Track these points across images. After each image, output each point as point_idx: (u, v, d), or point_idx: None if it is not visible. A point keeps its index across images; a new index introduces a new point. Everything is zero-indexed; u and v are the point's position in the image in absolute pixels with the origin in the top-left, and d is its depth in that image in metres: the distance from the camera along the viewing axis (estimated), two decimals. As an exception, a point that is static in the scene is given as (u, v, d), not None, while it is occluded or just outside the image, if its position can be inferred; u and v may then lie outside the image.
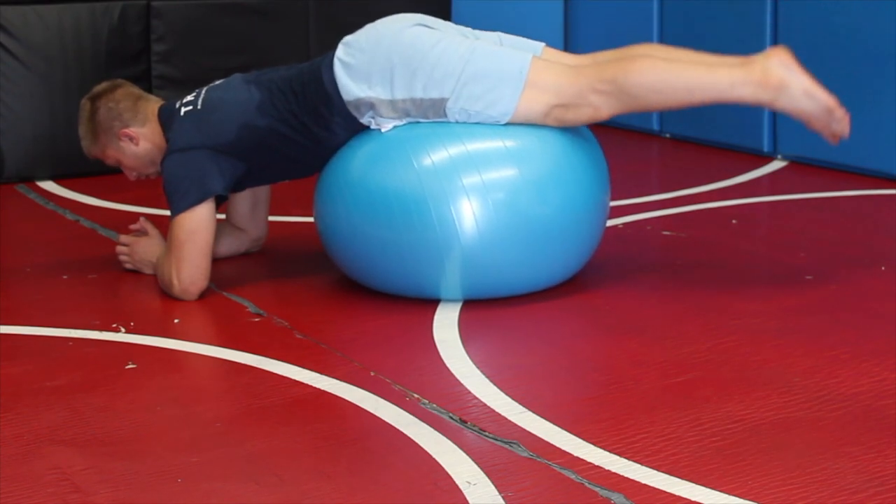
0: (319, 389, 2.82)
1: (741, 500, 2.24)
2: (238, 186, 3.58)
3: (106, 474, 2.41)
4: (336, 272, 3.60)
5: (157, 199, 4.26)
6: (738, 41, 5.25)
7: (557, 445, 2.48)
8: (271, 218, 3.95)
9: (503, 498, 2.27)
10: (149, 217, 3.77)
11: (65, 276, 3.71)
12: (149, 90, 5.00)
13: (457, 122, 3.31)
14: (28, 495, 2.33)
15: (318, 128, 3.41)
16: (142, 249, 3.68)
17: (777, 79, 3.22)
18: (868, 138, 4.79)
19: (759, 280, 3.61)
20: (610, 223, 4.02)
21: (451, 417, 2.64)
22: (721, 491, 2.27)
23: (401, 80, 3.31)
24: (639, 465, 2.38)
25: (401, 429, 2.58)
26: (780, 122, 5.14)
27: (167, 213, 3.50)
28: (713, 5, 5.37)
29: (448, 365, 2.94)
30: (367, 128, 3.39)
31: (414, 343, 3.11)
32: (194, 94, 3.59)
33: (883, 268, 3.61)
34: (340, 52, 3.39)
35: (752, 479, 2.31)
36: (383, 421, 2.63)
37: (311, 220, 3.71)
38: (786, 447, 2.45)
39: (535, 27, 6.03)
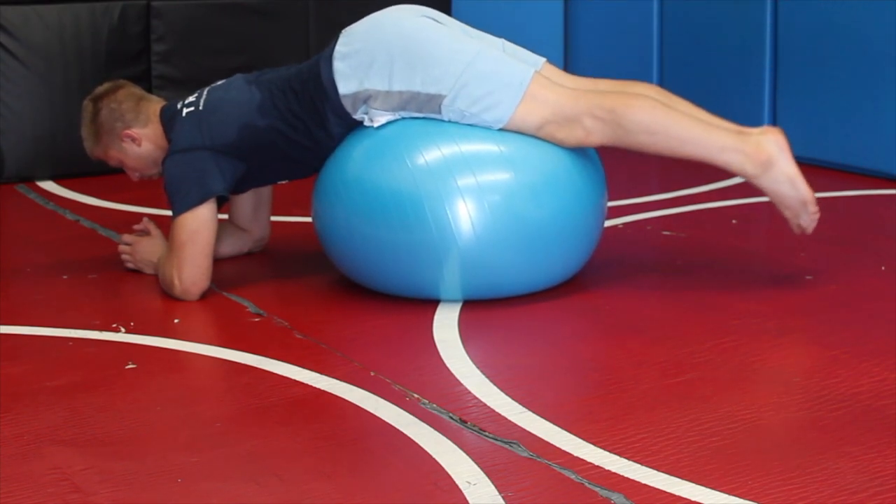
0: (319, 389, 2.82)
1: (741, 500, 2.24)
2: (239, 187, 3.58)
3: (106, 474, 2.41)
4: (336, 272, 3.60)
5: (158, 199, 4.26)
6: (738, 41, 5.25)
7: (557, 445, 2.48)
8: (272, 218, 3.95)
9: (503, 498, 2.27)
10: (150, 217, 3.77)
11: (65, 276, 3.71)
12: (149, 90, 5.00)
13: (450, 122, 3.30)
14: (28, 495, 2.33)
15: (316, 128, 3.41)
16: (144, 249, 3.68)
17: (767, 156, 3.26)
18: (868, 138, 4.79)
19: (759, 280, 3.61)
20: (610, 223, 4.02)
21: (451, 417, 2.64)
22: (721, 491, 2.27)
23: (400, 72, 3.30)
24: (639, 465, 2.38)
25: (401, 429, 2.58)
26: (781, 123, 5.14)
27: (168, 213, 3.50)
28: (713, 5, 5.37)
29: (448, 365, 2.94)
30: (360, 124, 3.38)
31: (414, 343, 3.11)
32: (196, 94, 3.59)
33: (883, 268, 3.61)
34: (340, 43, 3.39)
35: (752, 479, 2.31)
36: (383, 421, 2.63)
37: (311, 220, 3.71)
38: (786, 447, 2.45)
39: (536, 27, 6.03)
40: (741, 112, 5.26)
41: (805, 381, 2.79)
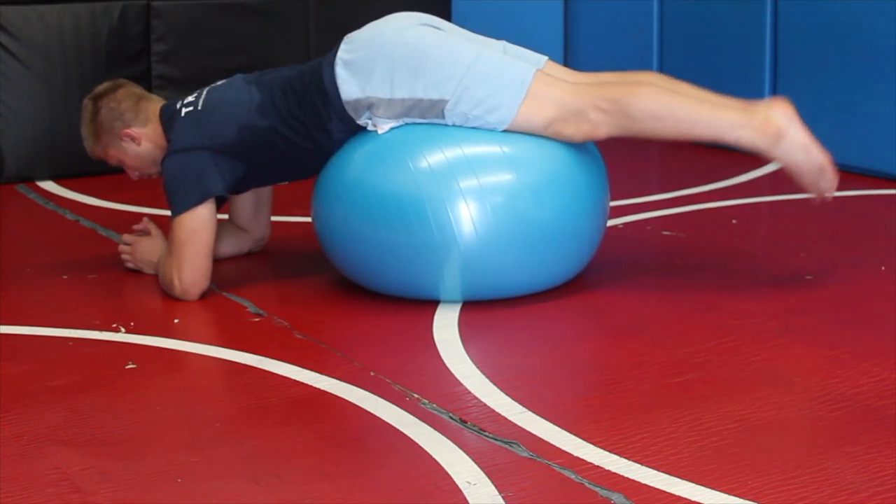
0: (319, 389, 2.82)
1: (741, 500, 2.24)
2: (238, 187, 3.58)
3: (106, 474, 2.41)
4: (336, 272, 3.60)
5: (157, 199, 4.25)
6: (738, 41, 5.25)
7: (557, 445, 2.48)
8: (272, 218, 3.95)
9: (503, 498, 2.27)
10: (150, 217, 3.77)
11: (65, 276, 3.71)
12: (149, 90, 4.99)
13: (453, 126, 3.30)
14: (28, 495, 2.33)
15: (316, 130, 3.41)
16: (144, 249, 3.68)
17: (776, 128, 3.25)
18: (868, 138, 4.79)
19: (759, 280, 3.61)
20: (610, 223, 4.02)
21: (451, 417, 2.64)
22: (721, 491, 2.27)
23: (402, 79, 3.30)
24: (639, 465, 2.38)
25: (401, 429, 2.58)
26: (780, 122, 5.14)
27: (168, 213, 3.50)
28: (713, 5, 5.37)
29: (448, 365, 2.94)
30: (363, 129, 3.38)
31: (414, 343, 3.11)
32: (195, 94, 3.59)
33: (883, 268, 3.61)
34: (342, 49, 3.39)
35: (752, 479, 2.31)
36: (383, 421, 2.63)
37: (310, 220, 3.71)
38: (786, 447, 2.45)
39: (536, 27, 6.03)
40: (741, 112, 5.27)
41: (805, 381, 2.79)
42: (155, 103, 3.65)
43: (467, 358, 2.98)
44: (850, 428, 2.53)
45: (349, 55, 3.37)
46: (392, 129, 3.34)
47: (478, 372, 2.89)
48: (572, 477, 2.35)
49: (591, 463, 2.40)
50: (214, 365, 3.02)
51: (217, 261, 3.61)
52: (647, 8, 5.67)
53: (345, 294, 3.49)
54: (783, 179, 4.85)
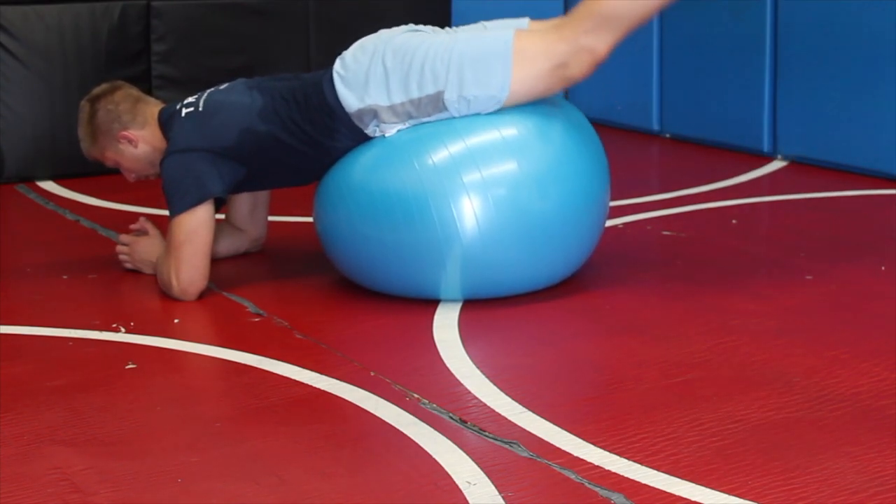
0: (319, 389, 2.82)
1: (741, 500, 2.24)
2: (237, 190, 3.58)
3: (106, 474, 2.41)
4: (336, 272, 3.60)
5: (157, 199, 4.25)
6: (738, 42, 5.25)
7: (557, 445, 2.48)
8: (271, 218, 3.96)
9: (503, 498, 2.27)
10: (148, 217, 3.77)
11: (65, 276, 3.71)
12: (149, 90, 5.01)
13: (459, 118, 3.31)
14: (28, 495, 2.33)
15: (321, 136, 3.41)
16: (142, 249, 3.68)
17: None
18: (868, 138, 4.79)
19: (759, 280, 3.61)
20: (610, 223, 4.02)
21: (451, 417, 2.64)
22: (721, 491, 2.27)
23: (396, 84, 3.32)
24: (639, 465, 2.38)
25: (401, 429, 2.58)
26: (780, 122, 5.14)
27: (167, 213, 3.50)
28: (713, 5, 5.37)
29: (448, 365, 2.94)
30: (370, 138, 3.39)
31: (414, 343, 3.11)
32: (195, 96, 3.59)
33: (883, 268, 3.61)
34: (338, 66, 3.42)
35: (752, 479, 2.31)
36: (383, 421, 2.63)
37: (310, 220, 3.71)
38: (786, 447, 2.45)
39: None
40: (741, 112, 5.27)
41: (805, 381, 2.79)
42: (153, 106, 3.65)
43: (467, 358, 2.98)
44: (850, 428, 2.53)
45: (345, 71, 3.40)
46: (399, 131, 3.35)
47: (478, 372, 2.89)
48: (572, 477, 2.35)
49: (591, 463, 2.40)
50: (214, 365, 3.02)
51: (216, 261, 3.61)
52: (647, 8, 5.66)
53: (345, 294, 3.49)
54: (783, 179, 4.87)
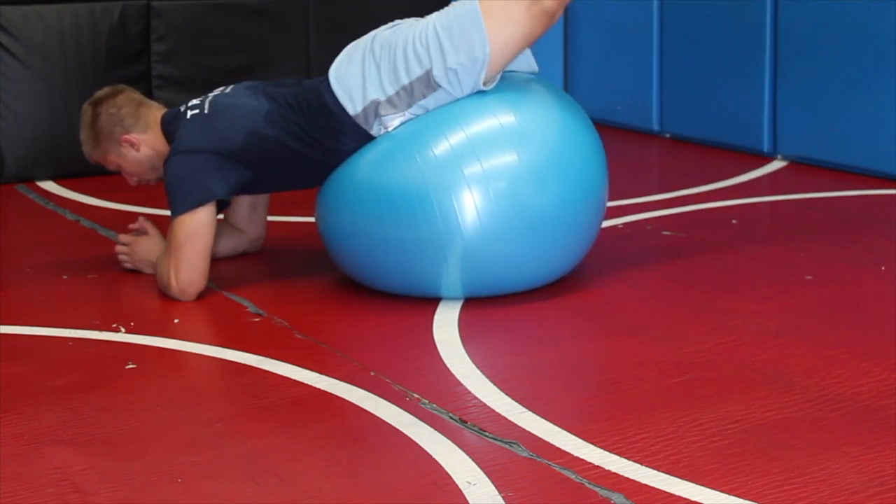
0: (319, 389, 2.82)
1: (741, 500, 2.24)
2: (241, 192, 3.58)
3: (106, 474, 2.41)
4: (336, 272, 3.60)
5: (157, 200, 4.26)
6: (738, 41, 5.25)
7: (557, 445, 2.48)
8: (271, 218, 3.96)
9: (503, 498, 2.27)
10: (148, 217, 3.77)
11: (65, 276, 3.71)
12: (149, 90, 5.01)
13: (457, 105, 3.31)
14: (28, 495, 2.33)
15: (327, 140, 3.42)
16: (141, 249, 3.68)
17: None
18: (868, 138, 4.79)
19: (759, 280, 3.61)
20: (610, 223, 4.03)
21: (451, 417, 2.64)
22: (721, 491, 2.27)
23: (387, 76, 3.36)
24: (639, 465, 2.38)
25: (401, 429, 2.58)
26: (780, 122, 5.14)
27: (167, 213, 3.50)
28: (713, 5, 5.37)
29: (448, 365, 2.94)
30: (374, 138, 3.40)
31: (414, 343, 3.11)
32: (199, 99, 3.59)
33: (883, 268, 3.61)
34: (333, 73, 3.43)
35: (752, 479, 2.31)
36: (383, 421, 2.63)
37: (310, 220, 3.72)
38: (786, 447, 2.45)
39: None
40: (741, 112, 5.27)
41: (805, 381, 2.79)
42: (155, 110, 3.65)
43: (467, 358, 2.98)
44: (850, 428, 2.53)
45: (340, 76, 3.42)
46: (402, 123, 3.36)
47: (478, 372, 2.89)
48: (572, 477, 2.35)
49: (591, 463, 2.40)
50: (214, 365, 3.02)
51: (216, 261, 3.61)
52: (647, 8, 5.67)
53: (345, 294, 3.49)
54: (783, 179, 4.87)
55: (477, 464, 2.41)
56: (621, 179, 4.59)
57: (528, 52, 3.52)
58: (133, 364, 2.99)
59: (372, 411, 2.68)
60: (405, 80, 3.34)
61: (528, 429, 2.57)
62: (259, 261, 3.85)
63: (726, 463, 2.39)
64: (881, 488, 2.27)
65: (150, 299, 3.49)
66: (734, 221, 4.20)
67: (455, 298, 3.38)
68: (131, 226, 3.76)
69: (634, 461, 2.40)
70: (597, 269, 3.60)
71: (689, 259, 3.77)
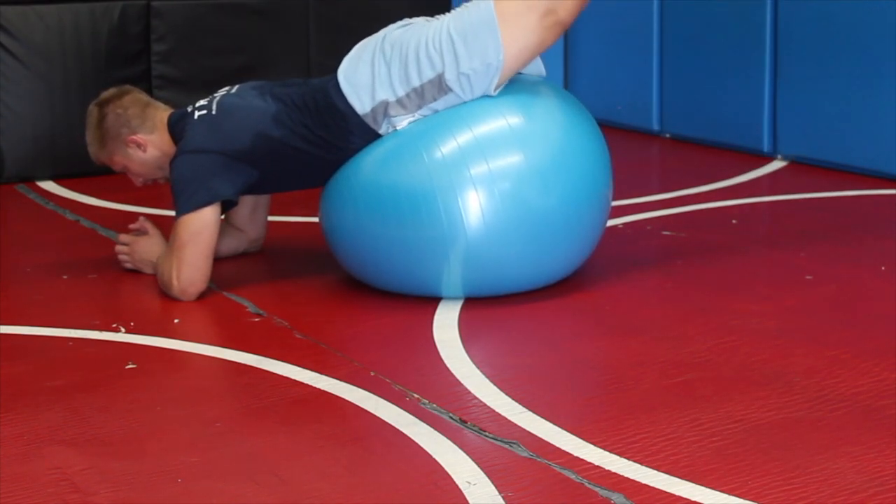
0: (319, 389, 2.82)
1: (741, 500, 2.24)
2: (247, 192, 3.58)
3: (106, 474, 2.41)
4: (336, 272, 3.60)
5: (158, 200, 4.26)
6: (738, 41, 5.25)
7: (557, 445, 2.48)
8: (272, 218, 3.96)
9: (503, 498, 2.27)
10: (148, 217, 3.77)
11: (65, 276, 3.71)
12: (149, 90, 5.00)
13: (466, 106, 3.31)
14: (28, 495, 2.33)
15: (335, 139, 3.42)
16: (142, 249, 3.68)
17: None
18: (868, 138, 4.79)
19: (759, 280, 3.61)
20: (610, 223, 4.02)
21: (451, 417, 2.64)
22: (721, 491, 2.27)
23: (397, 77, 3.35)
24: (639, 465, 2.38)
25: (401, 429, 2.58)
26: (781, 122, 5.14)
27: (167, 213, 3.50)
28: (713, 5, 5.37)
29: (448, 365, 2.94)
30: (382, 136, 3.40)
31: (414, 343, 3.11)
32: (207, 99, 3.59)
33: (883, 268, 3.61)
34: (342, 72, 3.43)
35: (752, 479, 2.31)
36: (383, 421, 2.63)
37: (311, 220, 3.72)
38: (786, 447, 2.45)
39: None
40: (741, 112, 5.27)
41: (805, 381, 2.79)
42: (162, 111, 3.66)
43: (467, 358, 2.98)
44: (850, 428, 2.53)
45: (349, 75, 3.41)
46: (410, 123, 3.37)
47: (478, 372, 2.89)
48: (572, 477, 2.35)
49: (591, 463, 2.40)
50: (214, 365, 3.02)
51: (217, 261, 3.61)
52: (647, 8, 5.67)
53: (345, 294, 3.49)
54: (783, 179, 4.87)
55: (477, 464, 2.41)
56: (621, 179, 4.58)
57: (536, 57, 3.52)
58: (133, 364, 2.99)
59: (372, 411, 2.68)
60: (416, 83, 3.34)
61: (528, 429, 2.57)
62: (259, 261, 3.85)
63: (726, 463, 2.39)
64: (881, 488, 2.27)
65: (150, 299, 3.49)
66: (734, 221, 4.20)
67: (455, 298, 3.38)
68: (131, 226, 3.76)
69: (634, 461, 2.40)
70: (597, 269, 3.60)
71: (689, 259, 3.77)
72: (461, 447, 2.48)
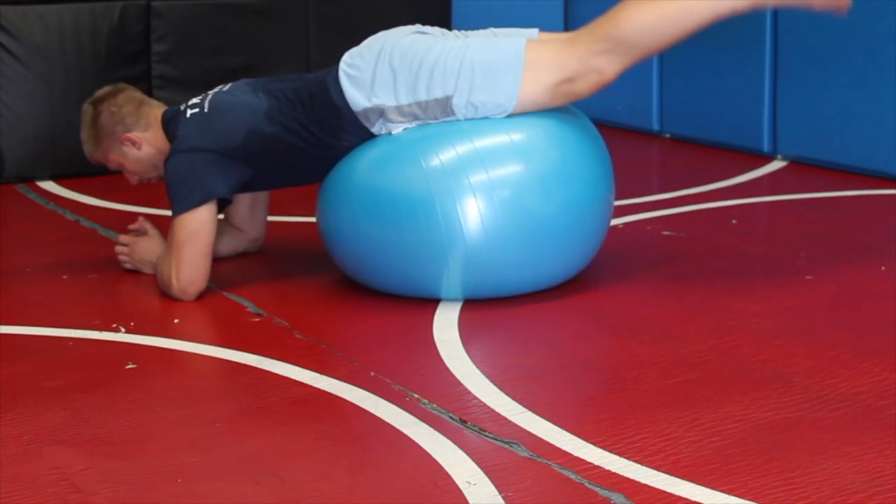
0: (319, 389, 2.82)
1: (741, 500, 2.24)
2: (241, 190, 3.58)
3: (106, 474, 2.41)
4: (336, 272, 3.60)
5: (157, 200, 4.26)
6: (738, 41, 5.25)
7: (557, 445, 2.48)
8: (271, 218, 3.96)
9: (503, 498, 2.27)
10: (148, 217, 3.77)
11: (65, 276, 3.71)
12: (149, 90, 5.01)
13: (465, 120, 3.32)
14: (28, 495, 2.33)
15: (327, 136, 3.41)
16: (141, 249, 3.68)
17: None
18: (868, 138, 4.79)
19: (759, 280, 3.61)
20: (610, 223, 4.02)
21: (451, 417, 2.64)
22: (721, 491, 2.27)
23: (404, 86, 3.33)
24: (639, 465, 2.38)
25: (401, 429, 2.58)
26: (780, 123, 5.14)
27: (167, 213, 3.50)
28: (713, 5, 5.36)
29: (448, 365, 2.94)
30: (375, 136, 3.40)
31: (414, 343, 3.11)
32: (199, 97, 3.59)
33: (883, 268, 3.61)
34: (344, 65, 3.42)
35: (752, 479, 2.31)
36: (383, 421, 2.63)
37: (311, 220, 3.72)
38: (786, 447, 2.45)
39: (535, 27, 6.02)
40: (741, 112, 5.27)
41: (805, 381, 2.79)
42: (156, 109, 3.65)
43: (467, 358, 2.98)
44: (850, 428, 2.53)
45: (352, 70, 3.39)
46: (406, 129, 3.36)
47: (478, 372, 2.89)
48: (572, 477, 2.35)
49: (591, 463, 2.40)
50: (214, 365, 3.02)
51: (215, 260, 3.61)
52: (647, 8, 5.66)
53: (345, 294, 3.49)
54: (783, 179, 4.87)
55: (477, 464, 2.41)
56: (621, 179, 4.57)
57: None
58: (133, 364, 2.99)
59: (372, 411, 2.68)
60: (423, 97, 3.32)
61: (528, 429, 2.57)
62: (259, 261, 3.85)
63: (726, 463, 2.39)
64: (881, 488, 2.27)
65: (150, 299, 3.49)
66: (734, 221, 4.20)
67: (456, 300, 3.37)
68: (131, 226, 3.76)
69: (634, 461, 2.40)
70: (597, 269, 3.60)
71: (689, 259, 3.77)
72: (461, 447, 2.48)
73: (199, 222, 3.43)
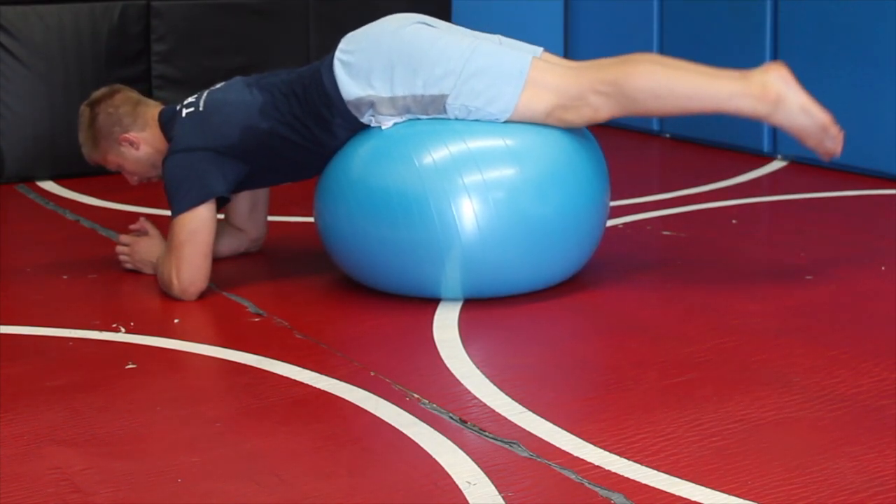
0: (319, 389, 2.82)
1: (741, 500, 2.24)
2: (240, 188, 3.58)
3: (106, 474, 2.41)
4: (336, 272, 3.60)
5: (157, 199, 4.26)
6: (738, 41, 5.25)
7: (557, 445, 2.48)
8: (271, 218, 3.96)
9: (503, 498, 2.27)
10: (148, 217, 3.77)
11: (65, 276, 3.71)
12: (149, 90, 5.01)
13: (456, 120, 3.31)
14: (28, 495, 2.33)
15: (319, 130, 3.41)
16: (142, 249, 3.68)
17: (775, 93, 3.27)
18: (868, 138, 4.79)
19: (759, 280, 3.61)
20: (610, 223, 4.02)
21: (451, 417, 2.64)
22: (721, 491, 2.27)
23: (401, 78, 3.31)
24: (639, 465, 2.38)
25: (401, 429, 2.58)
26: (780, 122, 5.14)
27: (167, 213, 3.50)
28: (713, 5, 5.37)
29: (448, 365, 2.94)
30: (367, 127, 3.39)
31: (414, 343, 3.11)
32: (195, 96, 3.59)
33: (883, 268, 3.61)
34: (340, 51, 3.40)
35: (752, 479, 2.31)
36: (383, 421, 2.63)
37: (310, 220, 3.72)
38: (786, 447, 2.45)
39: (535, 27, 6.03)
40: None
41: (805, 381, 2.79)
42: (153, 108, 3.65)
43: (467, 358, 2.98)
44: (850, 428, 2.53)
45: (347, 56, 3.38)
46: (396, 124, 3.35)
47: (478, 372, 2.89)
48: (572, 477, 2.35)
49: (591, 463, 2.40)
50: (214, 365, 3.02)
51: (215, 260, 3.61)
52: (647, 8, 5.67)
53: (345, 294, 3.49)
54: (783, 179, 4.87)
55: (477, 464, 2.41)
56: (621, 179, 4.59)
57: None
58: (133, 364, 2.99)
59: (372, 411, 2.68)
60: (419, 92, 3.31)
61: (528, 429, 2.57)
62: (259, 261, 3.85)
63: (726, 463, 2.39)
64: (881, 488, 2.27)
65: (150, 299, 3.49)
66: (734, 221, 4.20)
67: (455, 299, 3.37)
68: (132, 226, 3.76)
69: (634, 461, 2.40)
70: (597, 269, 3.60)
71: (689, 259, 3.77)
72: (461, 447, 2.48)
73: (199, 221, 3.43)
